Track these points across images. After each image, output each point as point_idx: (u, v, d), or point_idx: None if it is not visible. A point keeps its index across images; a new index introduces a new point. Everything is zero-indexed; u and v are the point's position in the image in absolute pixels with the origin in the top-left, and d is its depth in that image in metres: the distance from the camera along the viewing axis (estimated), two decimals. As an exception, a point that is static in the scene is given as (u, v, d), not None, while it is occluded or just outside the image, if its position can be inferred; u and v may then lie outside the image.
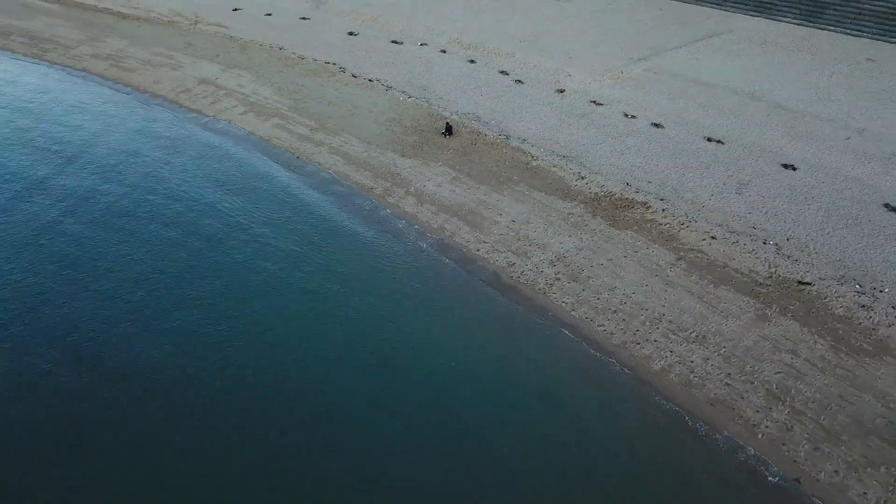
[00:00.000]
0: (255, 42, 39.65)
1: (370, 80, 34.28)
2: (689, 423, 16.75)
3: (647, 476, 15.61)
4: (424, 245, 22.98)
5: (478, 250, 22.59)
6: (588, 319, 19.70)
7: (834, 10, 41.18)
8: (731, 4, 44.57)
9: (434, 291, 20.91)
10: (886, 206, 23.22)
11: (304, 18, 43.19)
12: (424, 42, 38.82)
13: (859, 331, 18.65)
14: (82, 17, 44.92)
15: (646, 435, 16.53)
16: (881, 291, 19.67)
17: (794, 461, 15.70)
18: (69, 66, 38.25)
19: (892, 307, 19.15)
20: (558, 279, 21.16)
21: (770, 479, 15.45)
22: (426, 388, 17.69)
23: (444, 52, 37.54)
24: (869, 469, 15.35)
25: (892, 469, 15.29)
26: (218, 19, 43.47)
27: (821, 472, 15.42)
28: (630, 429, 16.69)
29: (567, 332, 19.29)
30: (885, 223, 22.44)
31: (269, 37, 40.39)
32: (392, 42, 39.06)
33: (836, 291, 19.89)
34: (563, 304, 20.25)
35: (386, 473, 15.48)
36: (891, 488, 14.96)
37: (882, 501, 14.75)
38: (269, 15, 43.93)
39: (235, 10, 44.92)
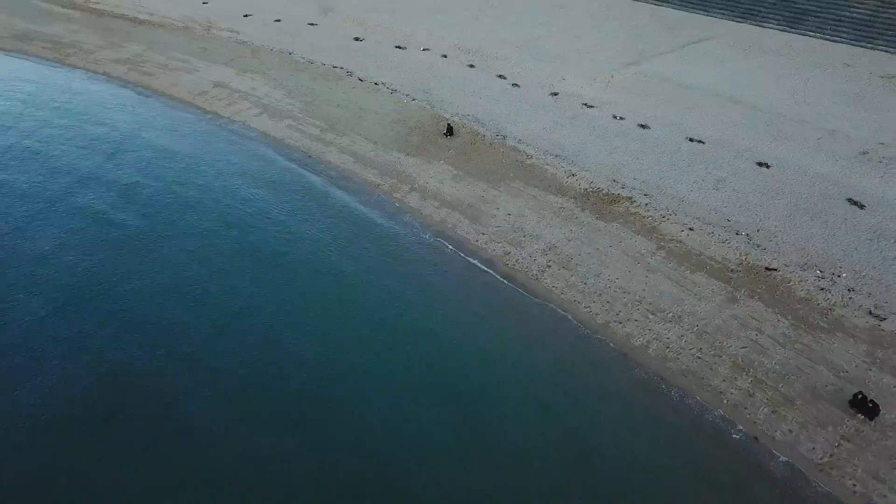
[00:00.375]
0: (265, 47, 41.86)
1: (376, 84, 36.48)
2: (665, 389, 18.96)
3: (627, 434, 17.81)
4: (427, 236, 25.15)
5: (477, 241, 24.77)
6: (576, 302, 21.89)
7: (815, 16, 43.43)
8: (718, 11, 46.80)
9: (437, 277, 23.09)
10: (850, 200, 25.42)
11: (311, 24, 45.40)
12: (426, 47, 41.04)
13: (818, 311, 20.86)
14: (100, 23, 47.10)
15: (625, 399, 18.72)
16: (839, 276, 21.88)
17: (754, 422, 17.90)
18: (91, 70, 40.43)
19: (848, 290, 21.36)
20: (549, 266, 23.35)
21: (734, 436, 17.66)
22: (428, 360, 19.86)
23: (445, 56, 39.75)
24: (818, 428, 17.57)
25: (838, 428, 17.50)
26: (230, 25, 45.67)
27: (776, 431, 17.63)
28: (611, 394, 18.89)
29: (557, 313, 21.48)
30: (848, 216, 24.65)
31: (279, 42, 42.60)
32: (396, 47, 41.28)
33: (799, 276, 22.10)
34: (554, 289, 22.44)
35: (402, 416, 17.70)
36: (836, 444, 17.17)
37: (827, 455, 16.95)
38: (279, 21, 46.12)
39: (246, 15, 47.11)
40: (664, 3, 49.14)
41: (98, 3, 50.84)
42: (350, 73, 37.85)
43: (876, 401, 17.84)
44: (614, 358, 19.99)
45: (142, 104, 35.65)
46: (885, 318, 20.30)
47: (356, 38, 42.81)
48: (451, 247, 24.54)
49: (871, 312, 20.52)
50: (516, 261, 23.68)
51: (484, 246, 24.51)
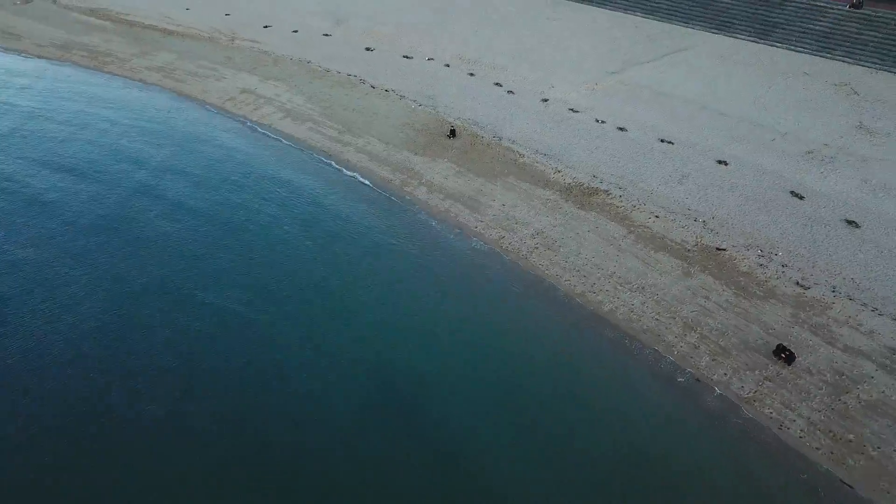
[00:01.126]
0: (286, 56, 46.33)
1: (386, 91, 40.97)
2: (627, 343, 23.43)
3: (595, 377, 22.30)
4: (434, 223, 29.61)
5: (476, 227, 29.26)
6: (558, 276, 26.38)
7: (782, 29, 47.95)
8: (697, 23, 51.28)
9: (442, 255, 27.56)
10: (792, 192, 29.95)
11: (326, 35, 49.86)
12: (431, 57, 45.52)
13: (756, 282, 25.38)
14: (132, 33, 51.55)
15: (596, 350, 23.22)
16: (775, 255, 26.39)
17: (698, 367, 22.40)
18: (127, 77, 44.88)
19: (782, 265, 25.88)
20: (537, 248, 27.84)
21: (680, 379, 22.14)
22: (440, 320, 24.36)
23: (448, 66, 44.24)
24: (747, 372, 22.08)
25: (763, 372, 22.01)
26: (252, 36, 50.14)
27: (714, 374, 22.14)
28: (584, 347, 23.39)
29: (542, 285, 25.97)
30: (788, 205, 29.18)
31: (297, 52, 47.07)
32: (403, 57, 45.76)
33: (743, 255, 26.61)
34: (540, 266, 26.93)
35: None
36: (760, 383, 21.68)
37: (752, 391, 21.46)
38: (296, 32, 50.58)
39: (266, 27, 51.58)
40: (649, 16, 53.63)
41: (129, 14, 55.32)
42: (363, 81, 42.35)
43: (794, 351, 22.35)
44: (588, 319, 24.48)
45: (179, 109, 40.10)
46: (808, 288, 24.83)
47: (367, 49, 47.29)
48: (453, 232, 29.02)
49: (798, 283, 25.05)
50: (509, 243, 28.17)
51: (482, 231, 28.99)
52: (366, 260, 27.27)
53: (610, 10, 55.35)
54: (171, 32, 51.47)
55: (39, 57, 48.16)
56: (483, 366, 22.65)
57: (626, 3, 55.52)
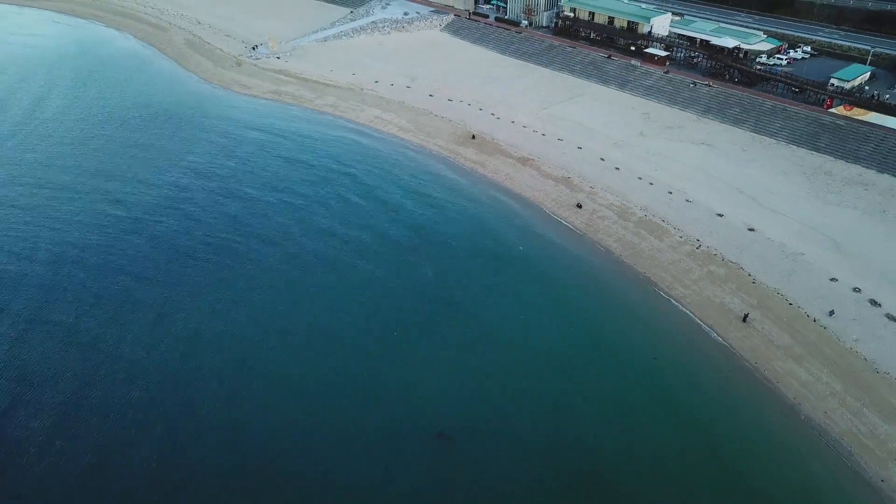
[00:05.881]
0: (391, 99, 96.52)
1: (443, 118, 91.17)
2: (533, 204, 73.58)
3: (514, 210, 72.49)
4: (468, 170, 79.70)
5: (483, 172, 79.31)
6: (512, 186, 76.42)
7: (631, 84, 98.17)
8: (593, 79, 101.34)
9: (472, 179, 77.76)
10: (601, 158, 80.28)
11: (408, 87, 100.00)
12: (462, 100, 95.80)
13: (568, 187, 75.68)
14: (307, 85, 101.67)
15: (519, 203, 73.30)
16: (587, 180, 76.80)
17: (553, 209, 72.42)
18: (316, 110, 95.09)
19: (589, 186, 76.19)
20: (506, 178, 77.99)
21: (545, 213, 72.33)
22: (467, 196, 74.56)
23: (469, 105, 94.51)
24: (566, 212, 72.37)
25: (572, 212, 72.32)
26: (370, 87, 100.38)
27: (556, 211, 72.40)
28: (514, 202, 73.50)
29: (507, 189, 76.16)
30: (598, 164, 79.41)
31: (395, 96, 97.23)
32: (448, 100, 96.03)
33: (577, 180, 76.76)
34: (507, 184, 77.00)
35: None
36: (569, 214, 71.95)
37: (566, 216, 71.69)
38: (392, 85, 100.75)
39: (376, 82, 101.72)
40: (570, 73, 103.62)
41: (301, 73, 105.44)
42: (430, 112, 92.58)
43: (583, 205, 72.54)
44: (520, 197, 74.52)
45: (348, 127, 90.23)
46: (594, 189, 75.04)
47: (430, 95, 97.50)
48: (477, 174, 79.21)
49: (590, 187, 75.32)
50: (497, 177, 78.26)
51: (486, 174, 79.06)
52: (442, 183, 77.41)
53: (551, 70, 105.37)
54: (327, 84, 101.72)
55: (266, 100, 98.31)
56: (477, 208, 72.93)
57: (560, 66, 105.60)
